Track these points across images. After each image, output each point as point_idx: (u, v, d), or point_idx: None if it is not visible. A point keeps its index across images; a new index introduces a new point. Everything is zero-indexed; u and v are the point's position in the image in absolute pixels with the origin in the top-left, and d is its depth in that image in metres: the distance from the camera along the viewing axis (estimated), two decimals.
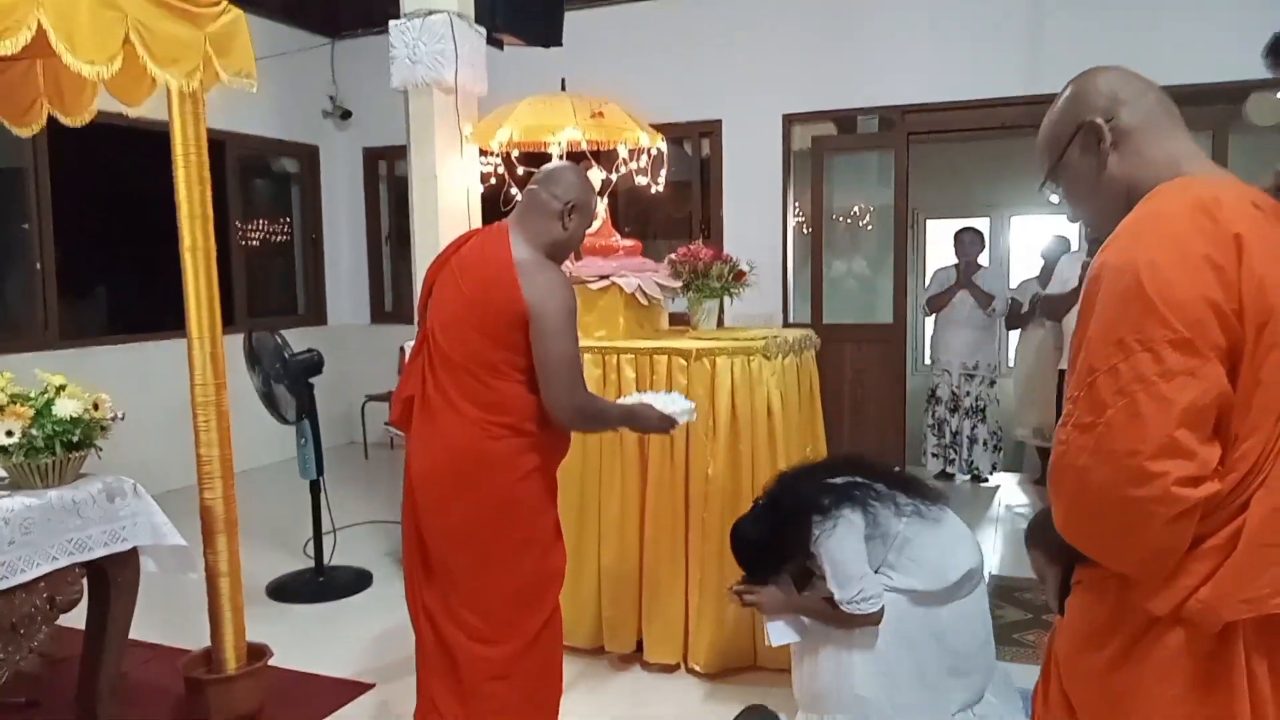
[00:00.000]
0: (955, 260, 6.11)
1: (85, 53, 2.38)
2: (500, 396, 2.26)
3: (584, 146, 3.82)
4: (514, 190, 3.89)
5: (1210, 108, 5.67)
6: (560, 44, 4.33)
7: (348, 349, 7.25)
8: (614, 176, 4.07)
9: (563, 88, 3.98)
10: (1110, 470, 1.13)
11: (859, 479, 2.62)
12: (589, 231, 3.90)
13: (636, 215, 6.97)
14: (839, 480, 2.61)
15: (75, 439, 2.45)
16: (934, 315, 6.18)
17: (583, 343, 3.53)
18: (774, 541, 2.58)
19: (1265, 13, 5.25)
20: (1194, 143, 1.35)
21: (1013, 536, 5.02)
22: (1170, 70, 5.48)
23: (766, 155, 6.42)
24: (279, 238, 7.67)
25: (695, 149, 6.62)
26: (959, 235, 6.14)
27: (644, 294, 3.67)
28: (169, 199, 2.77)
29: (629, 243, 3.87)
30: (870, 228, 6.60)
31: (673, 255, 3.90)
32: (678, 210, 6.88)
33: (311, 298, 7.80)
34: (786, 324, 6.24)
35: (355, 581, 4.33)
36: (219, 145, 6.56)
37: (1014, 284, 6.63)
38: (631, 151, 4.11)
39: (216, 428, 2.86)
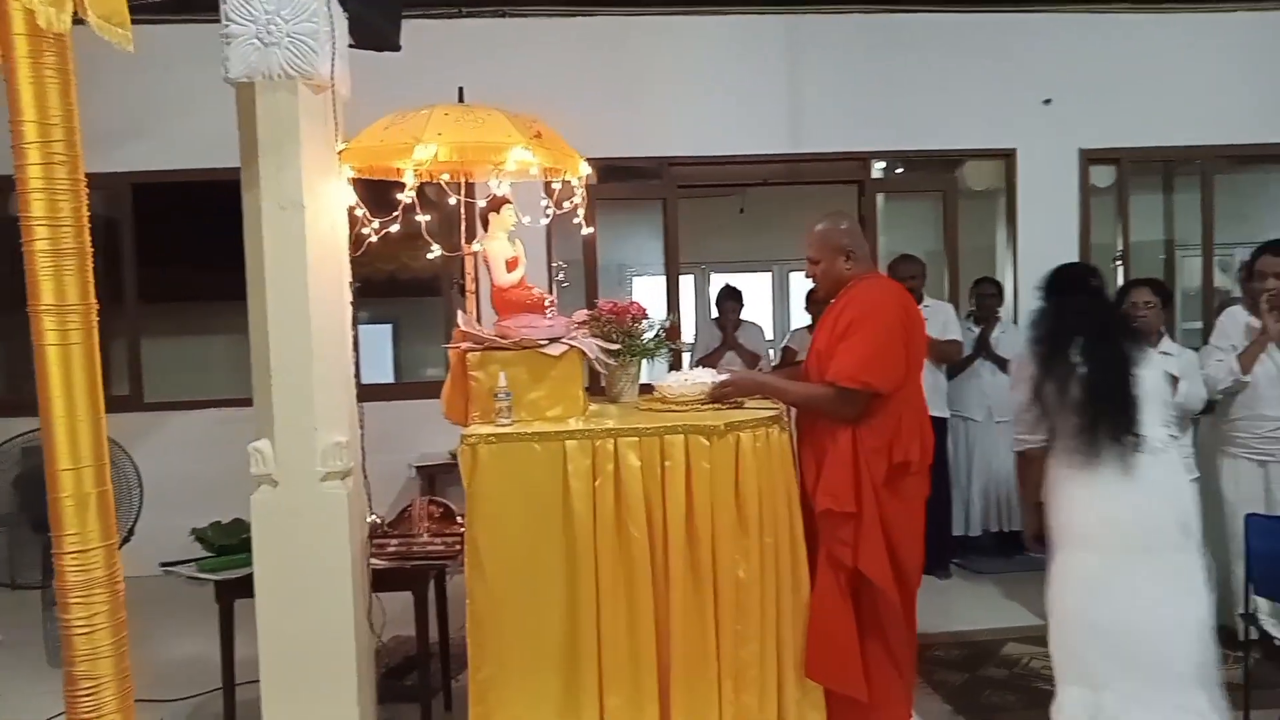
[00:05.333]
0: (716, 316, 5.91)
1: None
2: None
3: (534, 172, 2.97)
4: (422, 216, 2.91)
5: (939, 174, 6.27)
6: (398, 48, 3.37)
7: None
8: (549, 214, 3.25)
9: (460, 98, 3.06)
10: None
11: None
12: (511, 283, 3.08)
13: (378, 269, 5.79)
14: None
15: None
16: None
17: (554, 427, 2.70)
18: None
19: (987, 87, 5.94)
20: None
21: None
22: (907, 137, 5.98)
23: (528, 205, 5.76)
24: None
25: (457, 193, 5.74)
26: (721, 293, 5.94)
27: (600, 361, 2.92)
28: None
29: (549, 297, 3.09)
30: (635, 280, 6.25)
31: (595, 309, 3.18)
32: (417, 260, 5.88)
33: None
34: None
35: None
36: None
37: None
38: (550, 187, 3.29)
39: (110, 632, 1.59)
